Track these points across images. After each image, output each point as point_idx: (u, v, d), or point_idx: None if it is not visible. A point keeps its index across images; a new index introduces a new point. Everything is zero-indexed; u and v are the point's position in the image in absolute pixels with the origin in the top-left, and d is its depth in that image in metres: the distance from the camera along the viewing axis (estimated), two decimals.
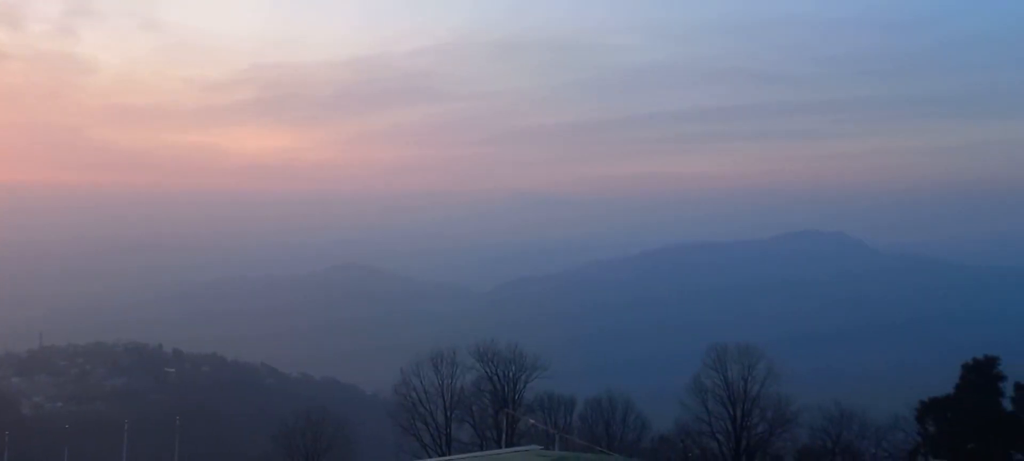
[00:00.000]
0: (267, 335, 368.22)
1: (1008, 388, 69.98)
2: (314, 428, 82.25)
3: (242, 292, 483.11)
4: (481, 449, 69.59)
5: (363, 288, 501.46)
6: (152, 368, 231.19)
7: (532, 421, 69.74)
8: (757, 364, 75.89)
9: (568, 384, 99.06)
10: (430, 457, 71.44)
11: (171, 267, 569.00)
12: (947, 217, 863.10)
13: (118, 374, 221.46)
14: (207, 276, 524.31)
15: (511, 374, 79.40)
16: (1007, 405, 69.36)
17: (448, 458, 55.42)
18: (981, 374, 69.98)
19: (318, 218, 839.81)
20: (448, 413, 78.37)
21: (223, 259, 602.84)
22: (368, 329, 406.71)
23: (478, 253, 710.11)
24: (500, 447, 59.81)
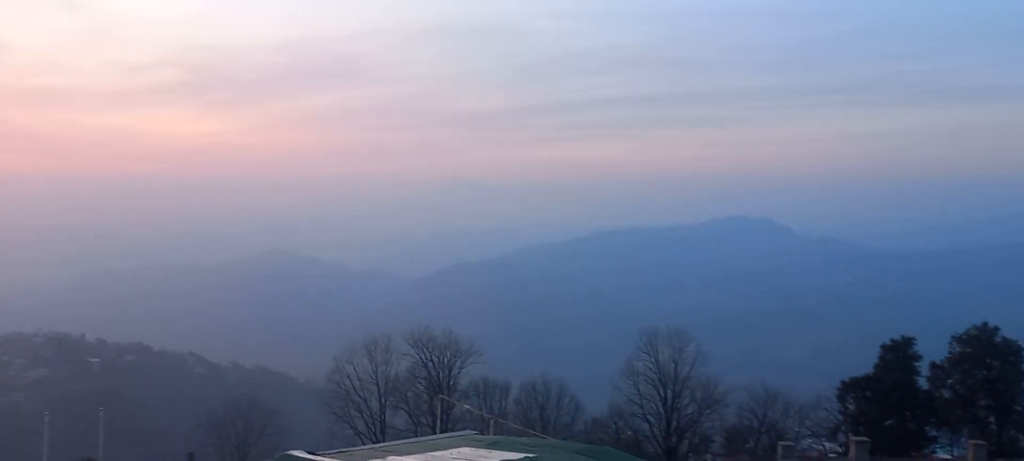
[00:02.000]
0: (194, 323, 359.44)
1: (924, 367, 73.30)
2: (244, 417, 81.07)
3: (168, 279, 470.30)
4: (416, 435, 69.54)
5: (294, 275, 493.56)
6: (74, 358, 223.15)
7: (467, 406, 69.94)
8: (687, 347, 77.79)
9: (503, 369, 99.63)
10: (364, 444, 71.02)
11: (93, 254, 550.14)
12: (865, 202, 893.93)
13: (38, 364, 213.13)
14: (131, 264, 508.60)
15: (446, 360, 79.53)
16: (922, 383, 72.62)
17: (382, 444, 55.14)
18: (898, 354, 73.08)
19: (246, 203, 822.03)
20: (382, 400, 78.06)
21: (148, 246, 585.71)
22: (299, 317, 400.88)
23: (412, 239, 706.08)
24: (435, 433, 59.87)
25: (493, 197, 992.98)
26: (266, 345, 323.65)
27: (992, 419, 68.84)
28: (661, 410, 75.56)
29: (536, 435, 48.75)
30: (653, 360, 76.77)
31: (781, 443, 44.78)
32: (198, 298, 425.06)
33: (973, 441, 46.24)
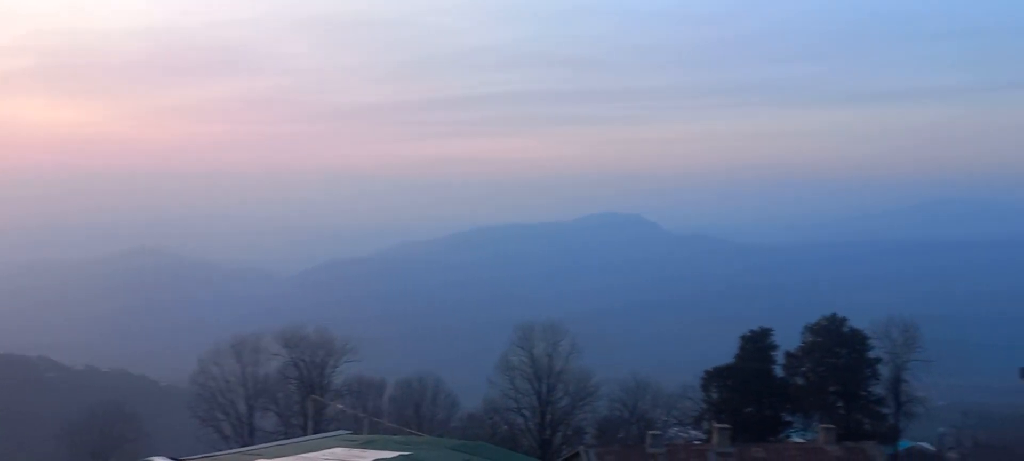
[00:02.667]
0: (47, 325, 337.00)
1: (780, 356, 77.57)
2: (102, 424, 76.80)
3: (17, 279, 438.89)
4: (286, 437, 67.77)
5: (159, 272, 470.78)
6: None
7: (340, 406, 68.77)
8: (561, 341, 79.29)
9: (379, 367, 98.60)
10: (231, 448, 68.62)
11: None
12: (731, 199, 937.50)
13: None
14: None
15: (319, 359, 77.92)
16: (779, 371, 76.84)
17: (250, 448, 53.44)
18: (757, 344, 77.01)
19: (110, 197, 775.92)
20: (251, 402, 75.75)
21: None
22: (165, 318, 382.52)
23: (286, 235, 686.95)
24: (306, 434, 58.54)
25: (372, 192, 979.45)
26: (127, 348, 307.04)
27: (841, 404, 73.57)
28: (536, 404, 76.69)
29: (411, 433, 48.53)
30: (528, 355, 77.81)
31: (649, 433, 46.34)
32: (52, 298, 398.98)
33: (823, 425, 49.33)
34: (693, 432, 75.86)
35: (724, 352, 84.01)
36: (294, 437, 64.97)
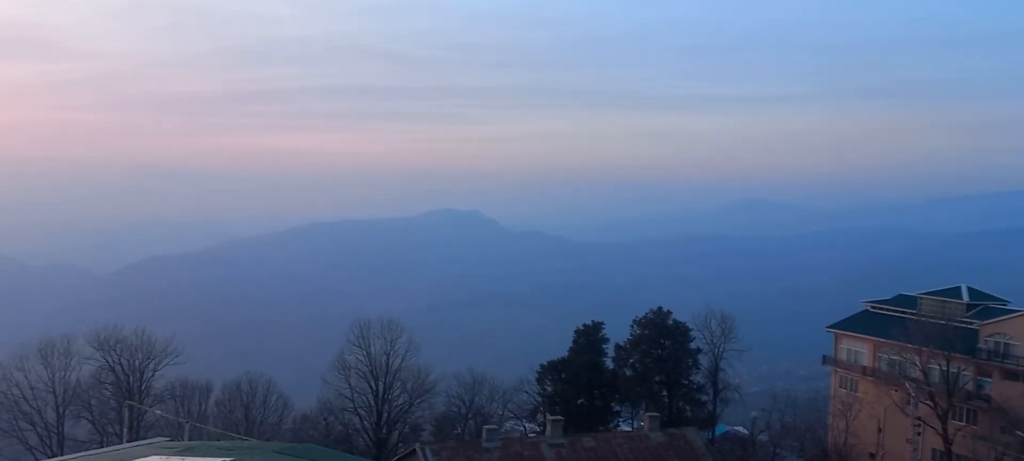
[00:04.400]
0: None
1: (610, 349, 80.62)
2: None
3: None
4: (101, 446, 63.09)
5: None
6: None
7: (159, 412, 64.77)
8: (399, 338, 78.42)
9: (205, 370, 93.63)
10: (38, 459, 63.19)
11: None
12: (565, 198, 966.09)
13: None
14: None
15: (137, 363, 73.09)
16: (609, 363, 79.83)
17: (59, 458, 49.26)
18: (589, 338, 79.66)
19: None
20: (60, 409, 69.92)
21: None
22: None
23: (100, 231, 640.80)
24: (122, 442, 54.69)
25: (197, 186, 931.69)
26: None
27: (665, 393, 77.44)
28: (372, 403, 75.55)
29: (237, 437, 46.38)
30: (365, 353, 76.49)
31: (486, 427, 46.64)
32: None
33: (648, 413, 51.54)
34: (529, 425, 77.33)
35: (559, 346, 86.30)
36: (109, 446, 60.65)
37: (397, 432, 75.73)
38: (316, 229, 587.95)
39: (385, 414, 75.48)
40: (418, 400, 77.29)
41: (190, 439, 48.25)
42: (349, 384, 75.57)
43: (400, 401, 76.71)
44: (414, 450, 42.85)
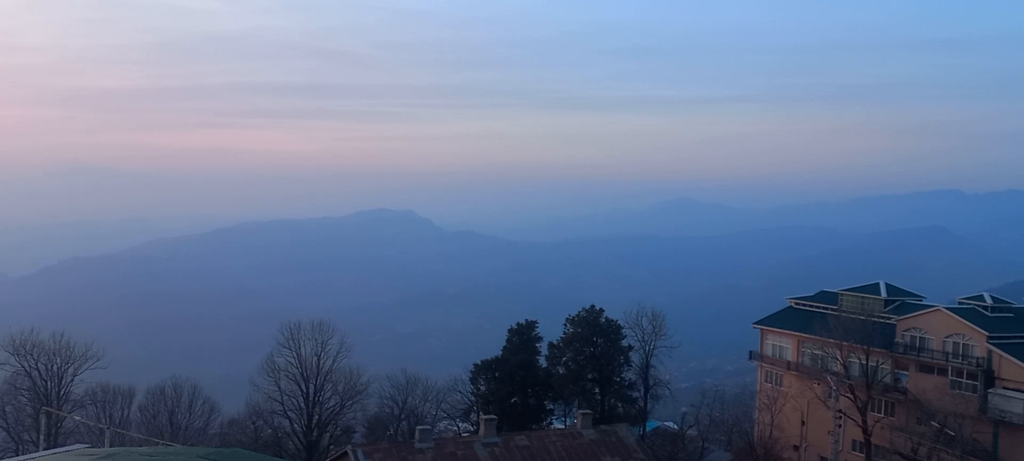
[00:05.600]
0: None
1: (544, 347, 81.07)
2: None
3: None
4: (16, 454, 60.58)
5: None
6: None
7: (79, 418, 62.53)
8: (330, 339, 77.32)
9: (129, 374, 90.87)
10: None
11: None
12: (498, 197, 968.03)
13: None
14: None
15: (56, 367, 70.41)
16: (543, 362, 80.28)
17: None
18: (523, 336, 79.94)
19: None
20: None
21: None
22: None
23: (17, 232, 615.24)
24: (39, 450, 52.66)
25: (119, 185, 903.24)
26: None
27: (597, 390, 78.27)
28: (303, 405, 74.32)
29: (161, 443, 45.12)
30: (295, 355, 75.19)
31: (419, 428, 46.43)
32: None
33: (581, 411, 52.04)
34: (462, 424, 77.20)
35: (493, 345, 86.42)
36: (25, 454, 58.32)
37: (329, 434, 74.67)
38: (245, 229, 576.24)
39: (316, 416, 74.35)
40: (350, 402, 76.32)
41: (111, 446, 46.76)
42: (279, 387, 74.16)
43: (331, 403, 75.64)
44: (346, 452, 42.39)
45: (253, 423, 74.15)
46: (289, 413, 74.12)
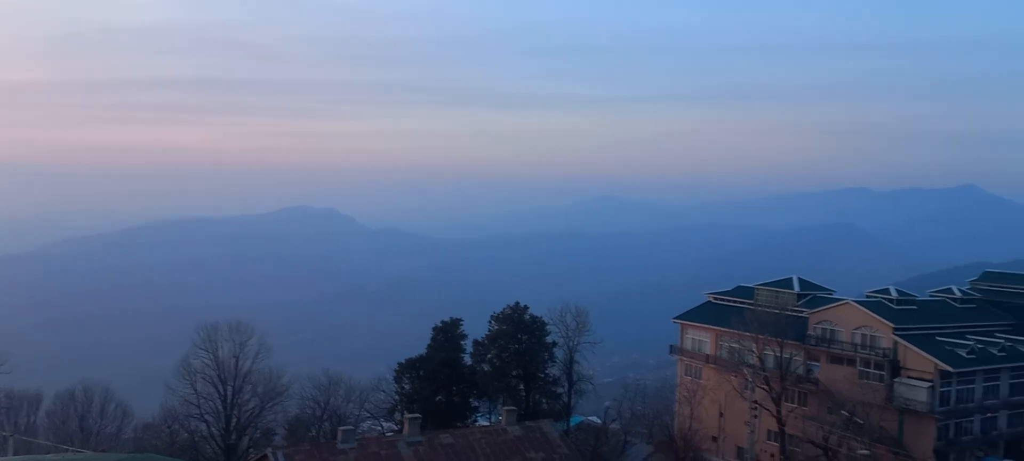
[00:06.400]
0: None
1: (469, 345, 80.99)
2: None
3: None
4: None
5: None
6: None
7: None
8: (249, 340, 75.48)
9: (36, 378, 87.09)
10: None
11: None
12: (422, 195, 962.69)
13: None
14: None
15: None
16: (467, 359, 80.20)
17: None
18: (447, 334, 79.70)
19: None
20: None
21: None
22: None
23: None
24: None
25: (25, 182, 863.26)
26: None
27: (522, 387, 78.63)
28: (220, 408, 72.35)
29: (70, 450, 43.31)
30: (212, 356, 73.14)
31: (341, 428, 45.81)
32: None
33: (506, 407, 52.21)
34: (386, 424, 76.45)
35: (417, 343, 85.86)
36: None
37: (248, 437, 72.91)
38: (161, 227, 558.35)
39: (235, 419, 72.50)
40: (270, 403, 74.65)
41: (15, 454, 44.64)
42: (195, 389, 72.00)
43: (251, 405, 73.86)
44: (265, 455, 41.49)
45: (168, 427, 71.91)
46: (206, 416, 72.08)
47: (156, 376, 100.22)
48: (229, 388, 72.28)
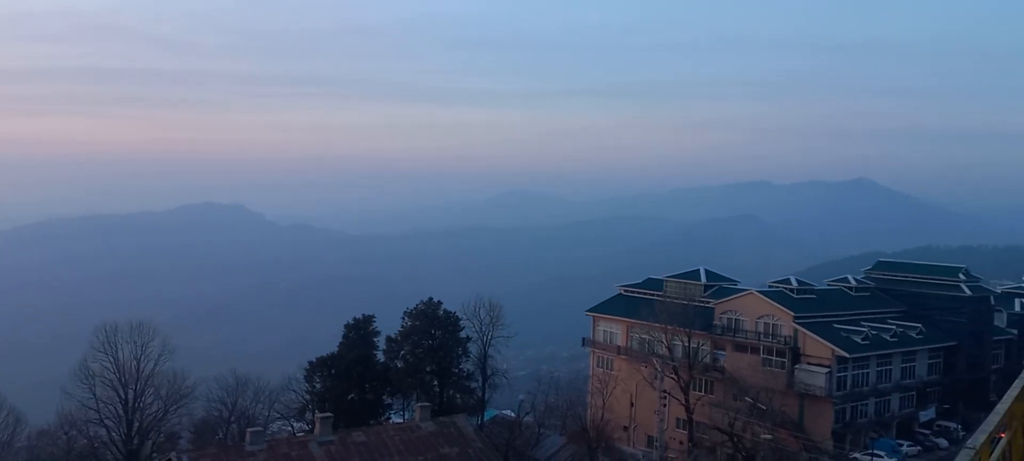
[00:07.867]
0: None
1: (382, 342, 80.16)
2: None
3: None
4: None
5: None
6: None
7: None
8: (151, 342, 72.87)
9: None
10: None
11: None
12: (333, 190, 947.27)
13: None
14: None
15: None
16: (381, 356, 79.38)
17: None
18: (360, 332, 78.66)
19: None
20: None
21: None
22: None
23: None
24: None
25: None
26: None
27: (436, 382, 78.36)
28: (121, 412, 69.60)
29: None
30: (111, 359, 70.24)
31: (249, 430, 44.67)
32: None
33: (420, 404, 51.93)
34: (297, 424, 74.98)
35: (329, 341, 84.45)
36: None
37: (151, 442, 70.34)
38: (52, 226, 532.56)
39: (136, 424, 69.83)
40: (174, 407, 72.22)
41: None
42: (94, 393, 69.00)
43: (154, 409, 71.28)
44: (169, 459, 40.14)
45: (66, 433, 68.74)
46: (106, 421, 69.20)
47: (52, 380, 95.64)
48: (130, 391, 69.62)
